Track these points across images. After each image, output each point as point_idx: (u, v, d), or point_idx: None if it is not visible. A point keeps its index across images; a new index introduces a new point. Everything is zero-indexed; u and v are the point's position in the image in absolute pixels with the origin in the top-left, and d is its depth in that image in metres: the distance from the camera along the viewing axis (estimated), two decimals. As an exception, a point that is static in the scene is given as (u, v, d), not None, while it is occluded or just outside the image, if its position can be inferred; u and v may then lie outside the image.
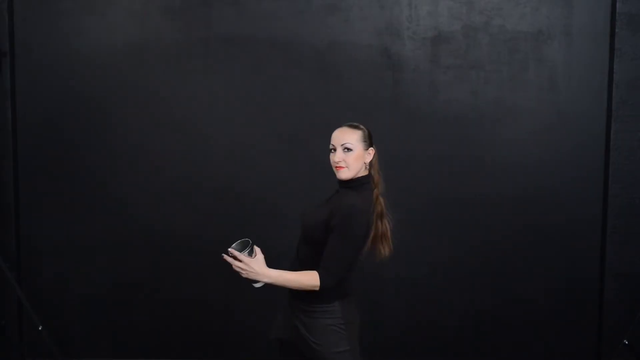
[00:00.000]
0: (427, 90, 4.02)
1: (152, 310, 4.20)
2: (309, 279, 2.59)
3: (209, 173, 4.13)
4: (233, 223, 4.13)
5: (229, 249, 2.57)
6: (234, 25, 4.05)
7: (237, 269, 2.57)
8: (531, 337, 4.14)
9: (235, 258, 2.55)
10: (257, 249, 2.62)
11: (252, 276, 2.58)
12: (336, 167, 2.69)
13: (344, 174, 2.68)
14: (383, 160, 4.05)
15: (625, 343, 3.83)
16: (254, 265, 2.57)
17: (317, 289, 2.59)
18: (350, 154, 2.67)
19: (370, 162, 2.74)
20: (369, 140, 2.72)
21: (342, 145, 2.67)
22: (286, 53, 4.05)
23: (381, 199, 2.69)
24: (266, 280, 2.61)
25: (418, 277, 4.12)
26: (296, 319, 2.79)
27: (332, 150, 2.70)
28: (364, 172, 2.72)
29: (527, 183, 4.07)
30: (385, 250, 2.75)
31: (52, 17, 4.09)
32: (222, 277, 4.16)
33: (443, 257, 4.09)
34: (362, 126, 2.73)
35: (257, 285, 2.67)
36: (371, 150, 2.72)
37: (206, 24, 4.05)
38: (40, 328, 3.82)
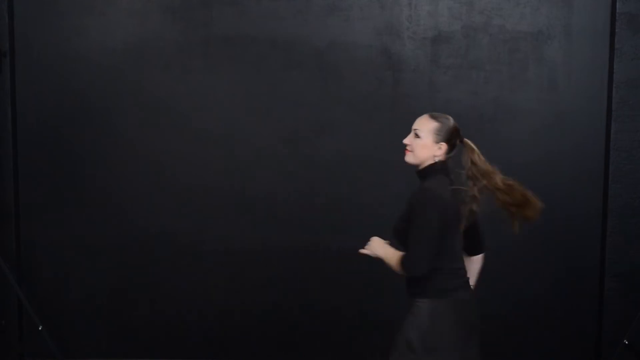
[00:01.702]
0: (427, 90, 4.02)
1: (152, 310, 4.20)
2: (398, 261, 2.64)
3: (209, 173, 4.13)
4: (233, 223, 4.13)
5: None
6: (234, 25, 4.05)
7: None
8: (531, 337, 4.14)
9: None
10: None
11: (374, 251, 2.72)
12: (405, 149, 2.72)
13: (408, 158, 2.72)
14: (383, 160, 4.07)
15: (625, 343, 3.83)
16: (377, 242, 2.71)
17: (407, 275, 2.66)
18: (418, 141, 2.68)
19: (470, 155, 2.68)
20: (445, 135, 2.67)
21: (414, 129, 2.70)
22: (286, 53, 4.05)
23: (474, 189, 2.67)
24: (381, 254, 2.72)
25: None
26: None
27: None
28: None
29: (526, 183, 4.04)
30: (531, 215, 2.78)
31: (52, 17, 4.08)
32: (222, 277, 4.17)
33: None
34: (444, 120, 2.69)
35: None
36: (442, 146, 2.67)
37: (206, 24, 4.05)
38: (40, 328, 3.82)
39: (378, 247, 2.72)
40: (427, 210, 2.55)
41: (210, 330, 4.20)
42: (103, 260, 4.18)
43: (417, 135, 2.68)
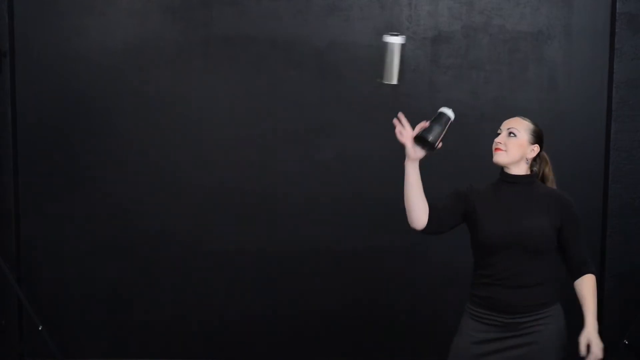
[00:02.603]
0: (427, 90, 4.02)
1: (152, 310, 4.20)
2: (594, 283, 2.62)
3: (208, 173, 4.13)
4: (233, 223, 4.13)
5: None
6: (234, 25, 4.05)
7: None
8: (531, 337, 4.13)
9: None
10: None
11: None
12: (495, 148, 2.65)
13: (500, 157, 2.64)
14: (383, 160, 4.06)
15: (625, 343, 3.83)
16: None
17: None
18: (514, 139, 2.63)
19: (544, 172, 2.72)
20: (538, 138, 2.66)
21: (508, 129, 2.65)
22: (286, 53, 4.05)
23: None
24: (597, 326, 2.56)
25: (418, 276, 4.12)
26: (511, 338, 2.61)
27: (498, 134, 2.67)
28: (526, 170, 2.68)
29: (527, 183, 4.06)
30: None
31: (52, 17, 4.08)
32: (222, 277, 4.17)
33: (443, 256, 4.09)
34: (535, 122, 2.70)
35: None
36: (536, 147, 2.65)
37: (206, 24, 4.05)
38: (40, 328, 3.82)
39: (596, 335, 2.55)
40: (577, 212, 2.64)
41: (210, 330, 4.20)
42: (103, 260, 4.18)
43: (512, 134, 2.63)
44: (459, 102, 4.02)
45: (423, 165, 4.04)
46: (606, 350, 4.06)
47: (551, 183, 2.75)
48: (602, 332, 4.06)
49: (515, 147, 2.63)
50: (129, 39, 4.08)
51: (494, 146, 2.67)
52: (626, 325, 3.91)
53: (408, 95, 4.03)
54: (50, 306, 4.19)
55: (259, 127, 4.09)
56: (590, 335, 2.52)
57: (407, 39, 4.03)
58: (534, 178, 2.69)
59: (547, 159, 2.75)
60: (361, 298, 4.13)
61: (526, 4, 3.98)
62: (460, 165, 4.04)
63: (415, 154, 2.65)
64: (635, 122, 3.98)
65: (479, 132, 4.01)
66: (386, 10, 4.01)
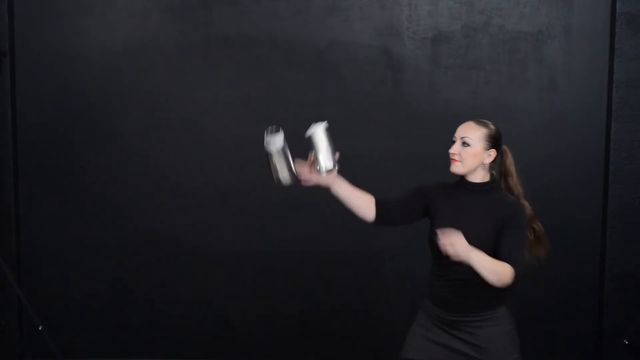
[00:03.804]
0: (426, 90, 4.02)
1: (152, 310, 4.20)
2: (504, 267, 2.42)
3: (208, 173, 4.13)
4: (233, 223, 4.13)
5: None
6: (234, 25, 4.05)
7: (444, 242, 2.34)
8: (531, 337, 4.13)
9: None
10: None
11: (455, 249, 2.32)
12: (451, 159, 2.63)
13: (456, 168, 2.62)
14: (382, 160, 4.07)
15: (625, 343, 3.83)
16: (458, 240, 2.34)
17: (506, 281, 2.43)
18: (468, 149, 2.60)
19: (505, 167, 2.68)
20: (494, 142, 2.63)
21: (461, 138, 2.61)
22: (286, 53, 4.05)
23: (525, 203, 2.66)
24: (473, 258, 2.35)
25: (418, 276, 4.11)
26: (455, 335, 2.63)
27: (453, 142, 2.64)
28: (486, 177, 2.65)
29: (526, 183, 4.03)
30: (541, 252, 2.71)
31: (52, 17, 4.08)
32: (222, 277, 4.17)
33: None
34: (492, 125, 2.65)
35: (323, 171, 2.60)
36: (492, 152, 2.62)
37: (206, 24, 4.05)
38: (40, 328, 3.82)
39: (466, 249, 2.37)
40: (524, 221, 2.57)
41: (210, 330, 4.20)
42: (103, 260, 4.18)
43: (465, 144, 2.60)
44: (459, 102, 4.03)
45: (423, 164, 4.06)
46: (606, 350, 4.09)
47: (514, 180, 2.70)
48: (602, 332, 4.09)
49: (470, 158, 2.61)
50: (129, 39, 4.08)
51: (450, 155, 2.65)
52: (626, 325, 3.91)
53: (408, 95, 4.03)
54: (50, 306, 4.19)
55: (259, 126, 4.07)
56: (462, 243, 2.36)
57: (407, 39, 4.04)
58: (492, 185, 2.66)
59: (508, 151, 2.70)
60: (364, 299, 4.12)
61: (526, 4, 3.98)
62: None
63: (329, 181, 2.65)
64: (635, 122, 3.98)
65: (479, 132, 4.02)
66: (386, 10, 4.01)
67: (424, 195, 2.72)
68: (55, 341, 3.99)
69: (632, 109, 3.97)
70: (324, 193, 4.15)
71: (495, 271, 2.41)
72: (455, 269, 2.54)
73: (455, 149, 2.62)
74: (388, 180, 3.99)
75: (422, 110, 4.05)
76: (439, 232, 2.40)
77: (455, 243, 2.33)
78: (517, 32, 3.99)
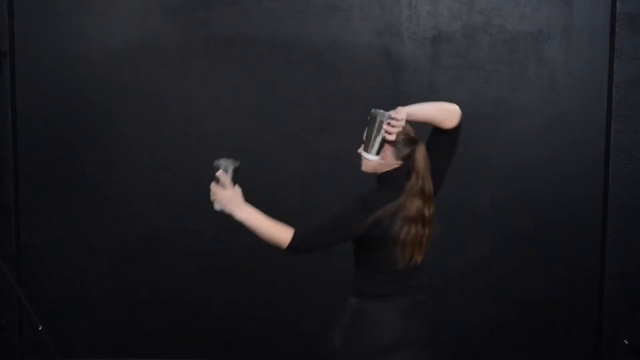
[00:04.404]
0: (427, 90, 4.02)
1: (152, 310, 4.20)
2: (280, 231, 2.52)
3: (209, 173, 4.12)
4: (233, 223, 4.12)
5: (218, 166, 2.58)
6: (234, 25, 4.05)
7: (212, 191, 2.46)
8: (531, 337, 4.14)
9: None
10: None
11: (223, 204, 2.52)
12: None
13: (362, 166, 2.67)
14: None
15: (625, 343, 3.84)
16: (228, 193, 2.50)
17: (284, 247, 2.52)
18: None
19: (413, 163, 2.60)
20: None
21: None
22: (286, 53, 4.05)
23: (416, 203, 2.55)
24: (238, 214, 2.53)
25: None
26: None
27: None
28: (392, 165, 2.62)
29: (526, 183, 4.07)
30: (417, 257, 2.69)
31: (52, 17, 4.09)
32: (222, 277, 4.17)
33: (442, 256, 4.09)
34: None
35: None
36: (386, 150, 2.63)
37: (206, 24, 4.05)
38: (40, 328, 3.82)
39: (234, 202, 2.58)
40: (345, 207, 2.51)
41: (210, 330, 4.20)
42: (103, 260, 4.18)
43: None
44: (459, 102, 3.99)
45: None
46: (606, 350, 4.09)
47: (420, 156, 2.65)
48: (602, 332, 4.09)
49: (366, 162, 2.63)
50: (129, 39, 4.08)
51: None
52: (626, 325, 3.91)
53: (408, 95, 4.03)
54: (50, 306, 4.19)
55: (259, 126, 4.09)
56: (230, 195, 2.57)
57: (407, 39, 4.04)
58: (381, 177, 2.63)
59: (424, 152, 2.65)
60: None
61: (526, 4, 3.99)
62: (459, 165, 4.03)
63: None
64: (635, 122, 3.98)
65: (479, 132, 4.02)
66: (386, 10, 4.01)
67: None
68: (55, 341, 3.99)
69: (632, 109, 3.97)
70: (324, 193, 4.18)
71: (267, 231, 2.56)
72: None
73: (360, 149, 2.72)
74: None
75: (422, 110, 4.04)
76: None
77: (215, 193, 2.52)
78: (517, 32, 3.99)
